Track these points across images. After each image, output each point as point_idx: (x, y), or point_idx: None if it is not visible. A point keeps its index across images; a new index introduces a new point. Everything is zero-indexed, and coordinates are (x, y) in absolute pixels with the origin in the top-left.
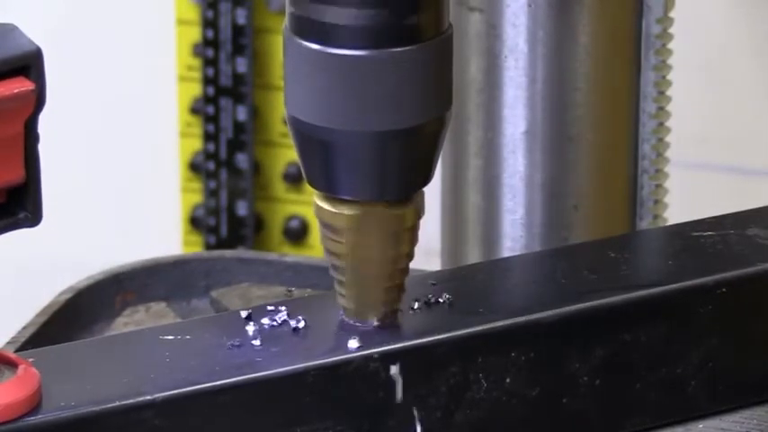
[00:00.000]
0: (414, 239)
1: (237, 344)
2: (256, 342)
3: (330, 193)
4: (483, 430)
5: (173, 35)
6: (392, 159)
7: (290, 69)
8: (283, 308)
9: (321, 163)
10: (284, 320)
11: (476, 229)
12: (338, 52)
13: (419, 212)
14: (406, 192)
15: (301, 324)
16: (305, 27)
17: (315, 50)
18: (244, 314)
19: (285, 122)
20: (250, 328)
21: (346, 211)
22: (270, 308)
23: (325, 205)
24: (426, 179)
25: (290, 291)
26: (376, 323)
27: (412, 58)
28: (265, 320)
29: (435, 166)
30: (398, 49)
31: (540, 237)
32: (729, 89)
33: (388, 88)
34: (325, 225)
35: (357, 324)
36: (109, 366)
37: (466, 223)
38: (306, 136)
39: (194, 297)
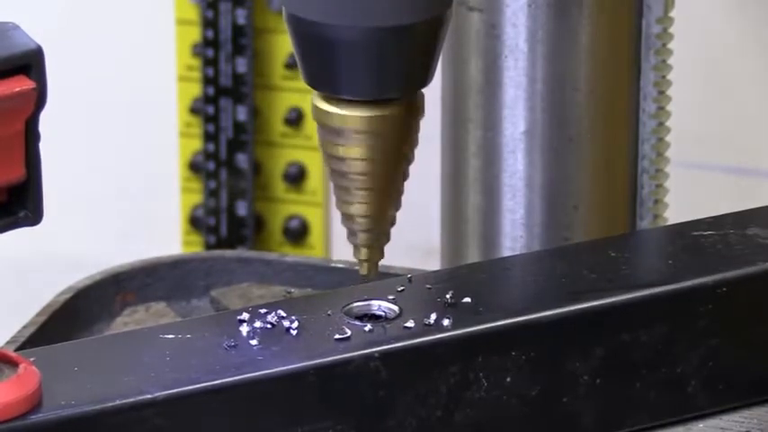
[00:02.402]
0: (414, 141)
1: (233, 344)
2: (254, 342)
3: (329, 92)
4: (483, 430)
5: (173, 35)
6: (392, 56)
7: None
8: (280, 308)
9: (319, 61)
10: (282, 320)
11: (476, 228)
12: None
13: (420, 112)
14: (406, 90)
15: (300, 324)
16: None
17: None
18: (242, 314)
19: (286, 122)
20: (246, 329)
21: (347, 111)
22: (267, 308)
23: (325, 106)
24: (425, 79)
25: (289, 292)
26: (377, 228)
27: None
28: (263, 320)
29: (435, 67)
30: None
31: (539, 237)
32: (729, 89)
33: None
34: (326, 127)
35: (355, 323)
36: (109, 365)
37: (466, 223)
38: (305, 33)
39: (194, 297)
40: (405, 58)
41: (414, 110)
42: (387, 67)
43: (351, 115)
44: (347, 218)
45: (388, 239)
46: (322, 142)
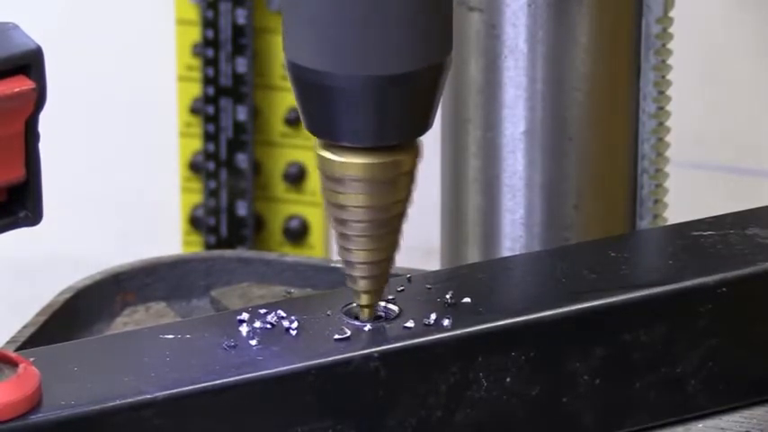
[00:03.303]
0: (412, 185)
1: (233, 344)
2: (253, 342)
3: (329, 139)
4: (483, 430)
5: (173, 35)
6: (392, 104)
7: (289, 13)
8: (280, 308)
9: (320, 108)
10: (281, 321)
11: (475, 228)
12: None
13: (418, 158)
14: (406, 137)
15: (300, 324)
16: None
17: None
18: (242, 314)
19: (286, 122)
20: (246, 329)
21: (347, 158)
22: (267, 308)
23: (326, 154)
24: (426, 125)
25: (289, 292)
26: (378, 273)
27: (411, 1)
28: (263, 321)
29: (435, 113)
30: None
31: (539, 237)
32: (729, 89)
33: (389, 31)
34: (327, 175)
35: (355, 323)
36: (109, 365)
37: (466, 223)
38: (305, 81)
39: (194, 297)
40: (405, 106)
41: (413, 155)
42: (387, 115)
43: (351, 162)
44: (347, 264)
45: (386, 282)
46: (324, 191)
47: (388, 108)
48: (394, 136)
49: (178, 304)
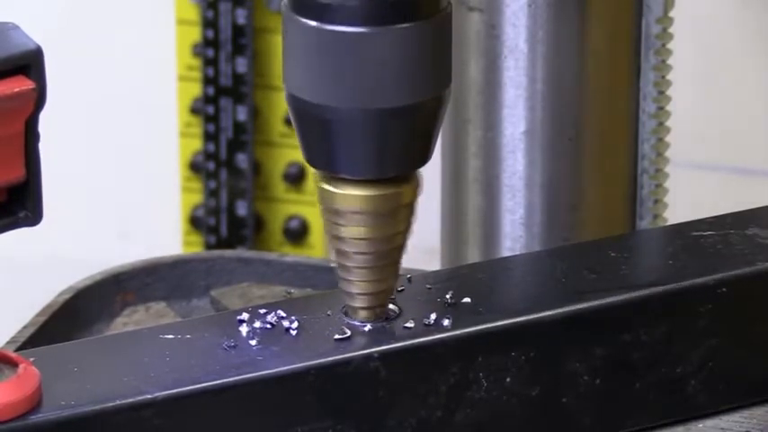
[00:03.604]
0: (412, 216)
1: (233, 344)
2: (253, 342)
3: (328, 171)
4: (483, 430)
5: (173, 35)
6: (391, 137)
7: (289, 47)
8: (280, 308)
9: (320, 141)
10: (281, 321)
11: (475, 229)
12: (337, 29)
13: (418, 190)
14: (405, 170)
15: (300, 324)
16: (304, 4)
17: (314, 27)
18: (242, 314)
19: (285, 122)
20: (246, 329)
21: (346, 190)
22: (267, 309)
23: (326, 186)
24: (425, 157)
25: (289, 292)
26: (377, 304)
27: (411, 36)
28: (263, 321)
29: (434, 146)
30: (397, 26)
31: (539, 237)
32: (729, 89)
33: (388, 66)
34: (327, 207)
35: (355, 323)
36: (109, 365)
37: (466, 223)
38: (305, 114)
39: (194, 297)
40: (404, 138)
41: (413, 187)
42: (386, 147)
43: (351, 194)
44: (348, 296)
45: (385, 309)
46: (324, 223)
47: (387, 141)
48: (393, 168)
49: (178, 304)
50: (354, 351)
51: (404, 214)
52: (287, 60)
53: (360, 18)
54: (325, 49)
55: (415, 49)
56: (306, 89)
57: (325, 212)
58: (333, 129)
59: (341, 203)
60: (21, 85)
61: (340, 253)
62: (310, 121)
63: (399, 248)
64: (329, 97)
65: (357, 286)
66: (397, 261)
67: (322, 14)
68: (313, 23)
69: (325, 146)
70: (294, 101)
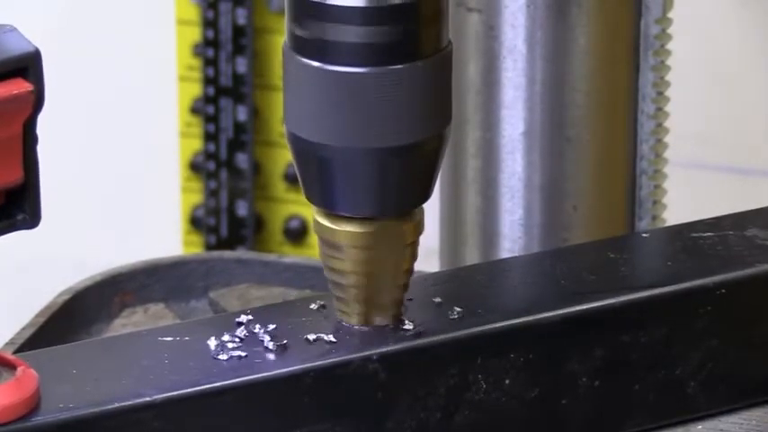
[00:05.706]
0: (414, 255)
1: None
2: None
3: (329, 209)
4: (482, 431)
5: (173, 35)
6: (391, 176)
7: (290, 86)
8: (278, 310)
9: (320, 179)
10: (279, 323)
11: (474, 229)
12: (338, 69)
13: (419, 228)
14: (406, 208)
15: (296, 327)
16: (305, 44)
17: (314, 67)
18: (240, 316)
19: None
20: (243, 331)
21: (346, 227)
22: (265, 311)
23: (325, 222)
24: (425, 196)
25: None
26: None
27: (411, 75)
28: (262, 323)
29: (435, 183)
30: (398, 67)
31: (538, 237)
32: (728, 89)
33: (388, 105)
34: (325, 241)
35: (354, 326)
36: (108, 368)
37: (465, 224)
38: (305, 152)
39: (193, 298)
40: (404, 177)
41: (414, 224)
42: (386, 186)
43: (349, 231)
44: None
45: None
46: (321, 255)
47: (387, 179)
48: (393, 207)
49: (177, 305)
50: (353, 353)
51: (406, 252)
52: (287, 99)
53: (360, 58)
54: (326, 88)
55: (415, 89)
56: (304, 127)
57: (323, 245)
58: (332, 167)
59: (339, 238)
60: (18, 87)
61: (337, 285)
62: (310, 159)
63: (401, 287)
64: (328, 136)
65: (355, 319)
66: (398, 299)
67: (322, 54)
68: (314, 63)
69: (325, 184)
70: (294, 139)
